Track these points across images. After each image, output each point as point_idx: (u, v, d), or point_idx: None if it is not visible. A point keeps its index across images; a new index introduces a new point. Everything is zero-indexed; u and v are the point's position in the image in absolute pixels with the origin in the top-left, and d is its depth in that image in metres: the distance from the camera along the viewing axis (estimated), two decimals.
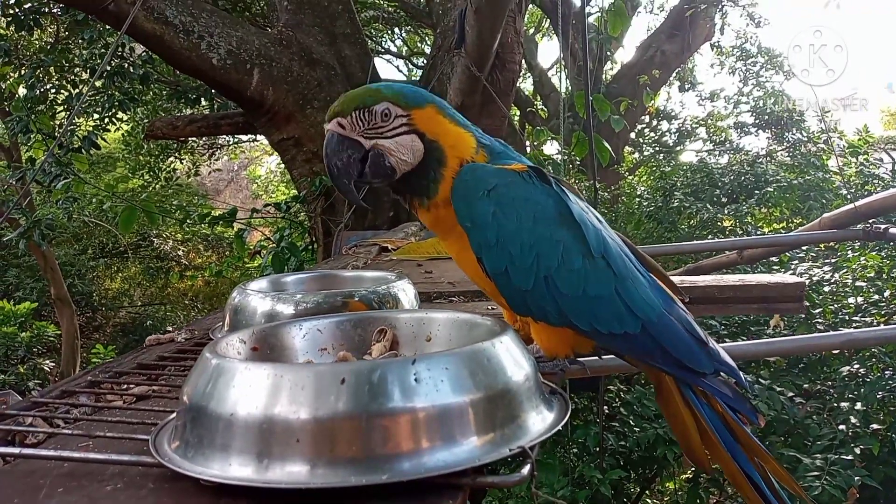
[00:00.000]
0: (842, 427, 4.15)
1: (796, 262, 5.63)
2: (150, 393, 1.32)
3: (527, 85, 15.55)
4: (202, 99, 8.51)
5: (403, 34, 14.93)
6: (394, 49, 15.51)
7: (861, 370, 4.61)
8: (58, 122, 8.19)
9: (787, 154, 11.32)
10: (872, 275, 5.11)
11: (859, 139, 10.81)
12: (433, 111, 1.24)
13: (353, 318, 1.29)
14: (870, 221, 3.34)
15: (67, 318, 11.47)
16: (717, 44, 13.39)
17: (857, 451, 3.93)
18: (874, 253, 5.14)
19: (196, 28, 5.27)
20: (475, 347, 0.94)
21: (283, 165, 6.68)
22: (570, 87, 8.43)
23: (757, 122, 13.55)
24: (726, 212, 7.48)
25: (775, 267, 5.64)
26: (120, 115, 8.73)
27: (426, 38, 14.15)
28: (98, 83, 8.06)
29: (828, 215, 3.44)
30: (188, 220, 7.61)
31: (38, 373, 10.18)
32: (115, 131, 10.11)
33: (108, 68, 7.43)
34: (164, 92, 9.59)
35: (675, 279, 2.53)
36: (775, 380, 4.74)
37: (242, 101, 5.92)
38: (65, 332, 11.31)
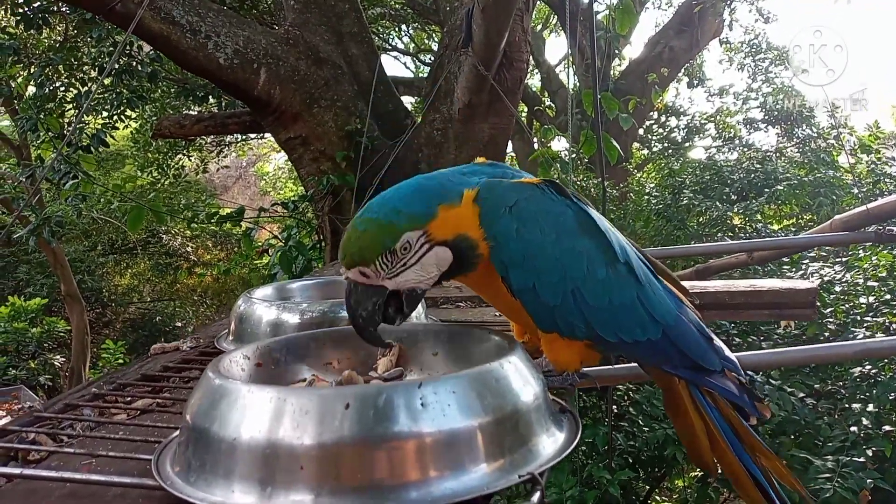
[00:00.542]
0: (853, 429, 4.10)
1: (807, 261, 5.57)
2: (153, 406, 1.31)
3: (534, 81, 15.49)
4: (210, 97, 8.50)
5: (410, 31, 14.89)
6: (401, 46, 15.48)
7: (873, 371, 4.55)
8: (66, 121, 8.20)
9: (796, 150, 11.23)
10: (884, 274, 5.06)
11: (870, 135, 10.70)
12: (443, 210, 1.14)
13: None
14: (882, 224, 3.29)
15: (77, 314, 11.53)
16: (725, 39, 13.30)
17: (870, 452, 3.89)
18: (886, 252, 5.07)
19: (203, 28, 5.25)
20: (482, 369, 0.92)
21: (290, 162, 6.67)
22: (577, 84, 8.38)
23: (766, 118, 13.46)
24: (736, 209, 7.42)
25: (785, 266, 5.59)
26: (128, 112, 8.76)
27: (433, 35, 14.11)
28: (107, 81, 8.07)
29: (839, 217, 3.39)
30: (196, 220, 7.60)
31: (49, 368, 10.24)
32: (123, 129, 10.12)
33: (117, 66, 7.44)
34: (172, 90, 9.61)
35: (686, 284, 2.51)
36: (785, 380, 4.70)
37: (249, 101, 5.90)
38: (75, 328, 11.36)
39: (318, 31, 5.98)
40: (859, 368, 4.61)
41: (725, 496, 5.32)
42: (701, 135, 14.45)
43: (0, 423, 1.18)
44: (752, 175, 7.92)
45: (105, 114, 8.01)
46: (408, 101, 10.90)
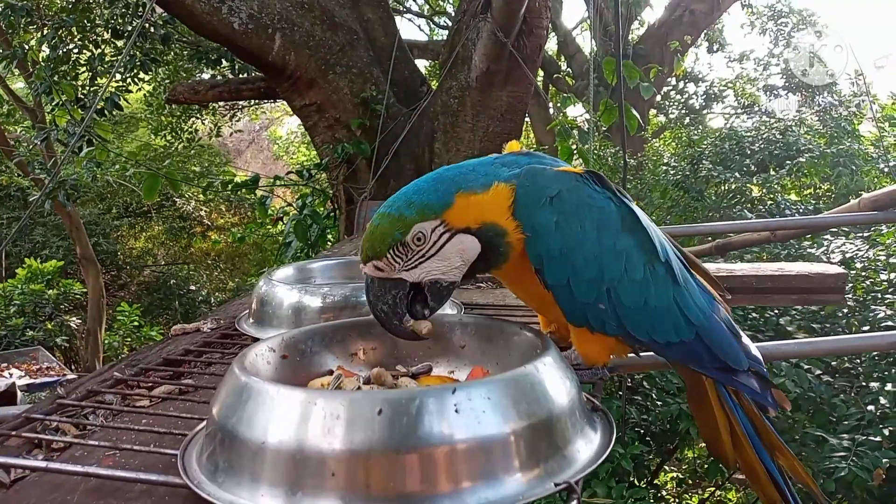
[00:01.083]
0: (871, 407, 4.07)
1: (828, 237, 5.48)
2: (175, 392, 1.30)
3: (550, 45, 15.22)
4: (223, 60, 8.42)
5: None
6: (415, 8, 15.22)
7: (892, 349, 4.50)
8: (80, 83, 8.16)
9: (817, 118, 11.01)
10: None
11: (893, 103, 10.46)
12: (462, 197, 1.11)
13: None
14: None
15: (93, 277, 11.64)
16: (748, 3, 12.98)
17: (886, 432, 3.87)
18: None
19: None
20: (518, 373, 0.89)
21: (305, 130, 6.60)
22: (595, 50, 8.20)
23: (787, 84, 13.18)
24: (755, 181, 7.29)
25: (806, 242, 5.50)
26: (141, 75, 8.70)
27: None
28: (119, 43, 8.00)
29: (867, 196, 3.30)
30: (211, 188, 7.58)
31: (66, 329, 10.38)
32: (136, 91, 10.08)
33: (130, 28, 7.36)
34: (186, 52, 9.52)
35: (712, 266, 2.47)
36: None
37: (264, 67, 5.82)
38: (91, 290, 11.48)
39: None
40: None
41: (736, 469, 5.33)
42: (719, 101, 14.21)
43: (23, 410, 1.17)
44: (773, 146, 7.77)
45: (119, 77, 7.96)
46: (421, 64, 10.75)
